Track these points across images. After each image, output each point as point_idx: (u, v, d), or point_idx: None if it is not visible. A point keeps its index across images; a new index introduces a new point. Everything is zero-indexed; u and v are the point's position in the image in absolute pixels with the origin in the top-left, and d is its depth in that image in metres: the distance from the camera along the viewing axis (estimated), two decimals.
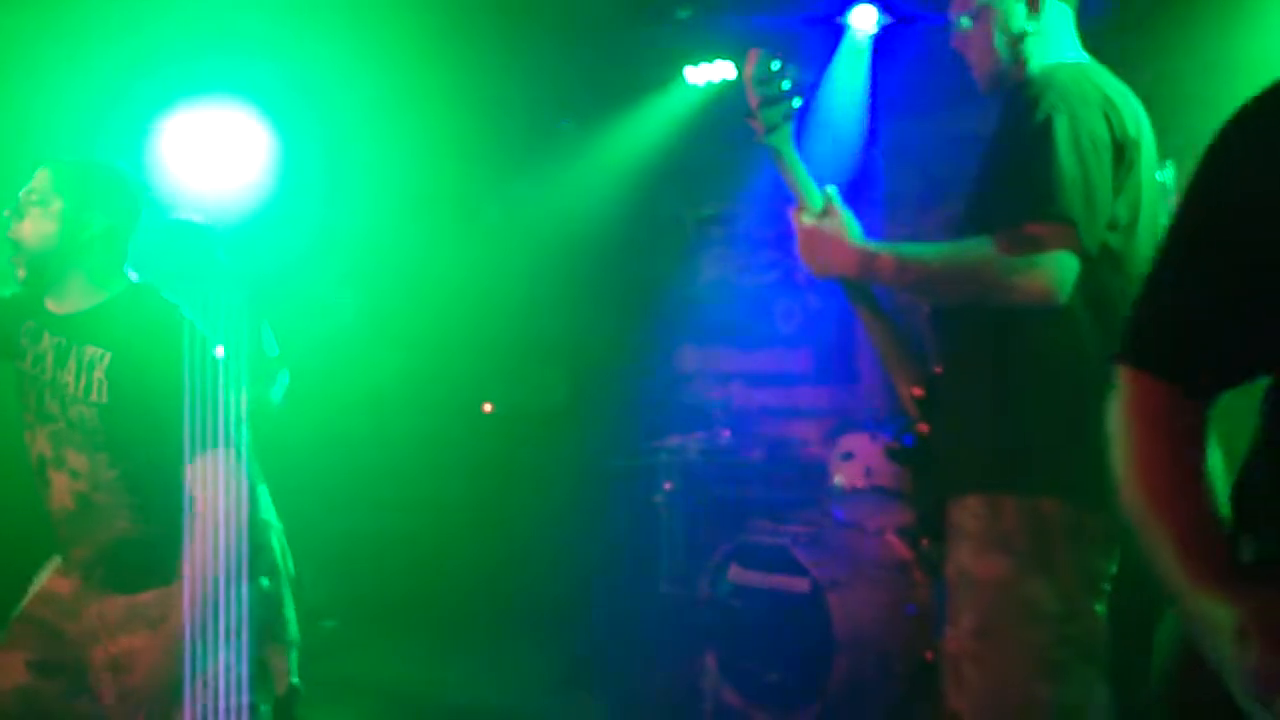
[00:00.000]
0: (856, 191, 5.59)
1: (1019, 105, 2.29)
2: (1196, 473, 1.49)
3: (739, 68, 5.94)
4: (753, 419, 6.12)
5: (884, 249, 2.37)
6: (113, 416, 2.56)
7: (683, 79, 6.16)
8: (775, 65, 2.48)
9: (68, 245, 2.60)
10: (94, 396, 2.55)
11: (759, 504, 5.42)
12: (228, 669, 2.60)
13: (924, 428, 2.42)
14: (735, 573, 4.54)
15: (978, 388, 2.30)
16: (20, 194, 2.62)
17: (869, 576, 4.36)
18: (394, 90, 5.29)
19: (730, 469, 5.62)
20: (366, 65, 5.03)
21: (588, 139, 6.57)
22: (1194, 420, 1.52)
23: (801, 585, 4.31)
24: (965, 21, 2.44)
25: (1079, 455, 2.12)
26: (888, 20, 5.40)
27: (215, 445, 2.50)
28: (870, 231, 2.47)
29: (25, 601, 2.71)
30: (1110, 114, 2.23)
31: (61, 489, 2.61)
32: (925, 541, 4.18)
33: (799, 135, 2.53)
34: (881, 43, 5.60)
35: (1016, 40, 2.39)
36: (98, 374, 2.56)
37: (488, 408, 6.80)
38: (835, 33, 5.67)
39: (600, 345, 6.59)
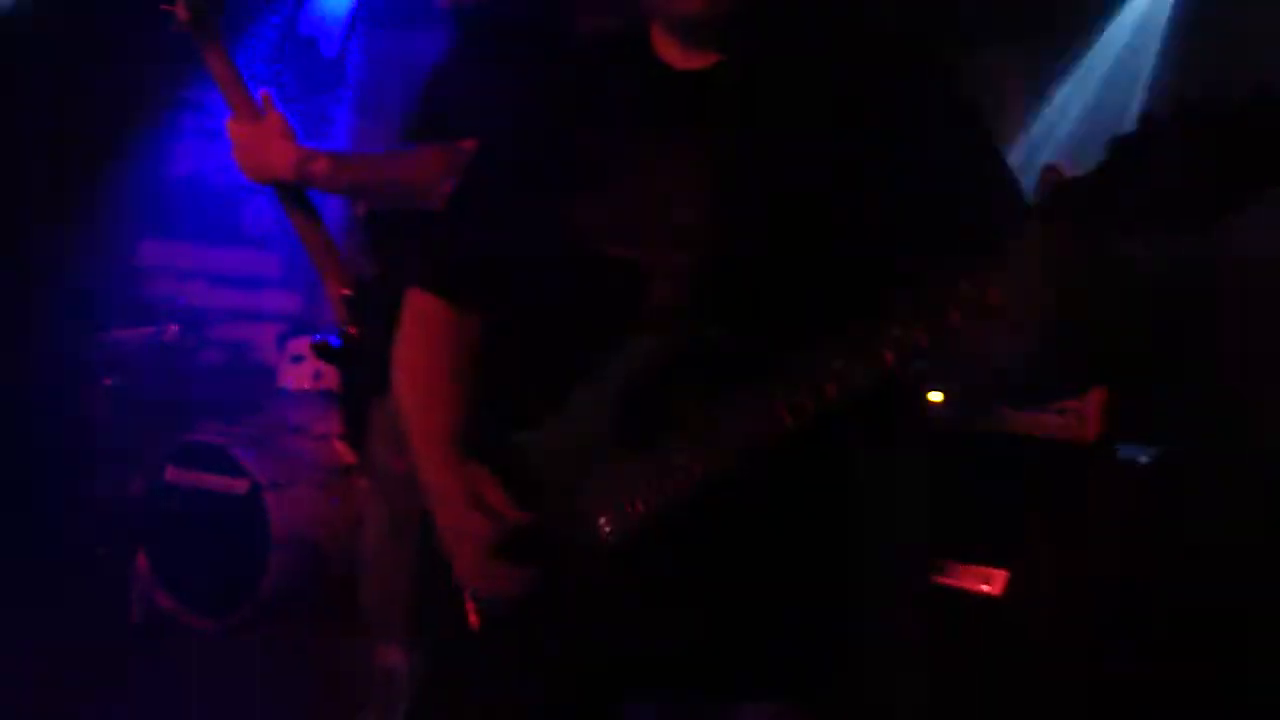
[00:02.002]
0: (333, 98, 5.52)
1: (474, 25, 2.36)
2: (443, 367, 1.72)
3: None
4: (213, 319, 5.91)
5: (319, 151, 2.38)
6: None
7: None
8: None
9: None
10: None
11: (206, 405, 5.26)
12: None
13: (353, 330, 2.46)
14: (172, 473, 4.41)
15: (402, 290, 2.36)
16: None
17: (311, 480, 4.38)
18: None
19: (178, 368, 5.41)
20: None
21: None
22: (457, 329, 1.74)
23: (240, 486, 4.26)
24: None
25: None
26: None
27: None
28: (345, 141, 2.47)
29: None
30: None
31: None
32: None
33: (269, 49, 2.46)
34: None
35: None
36: None
37: None
38: None
39: (51, 227, 6.08)
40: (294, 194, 2.44)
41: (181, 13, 2.39)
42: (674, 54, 1.55)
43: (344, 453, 4.50)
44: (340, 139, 5.44)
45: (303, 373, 4.55)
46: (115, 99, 6.17)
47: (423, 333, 1.76)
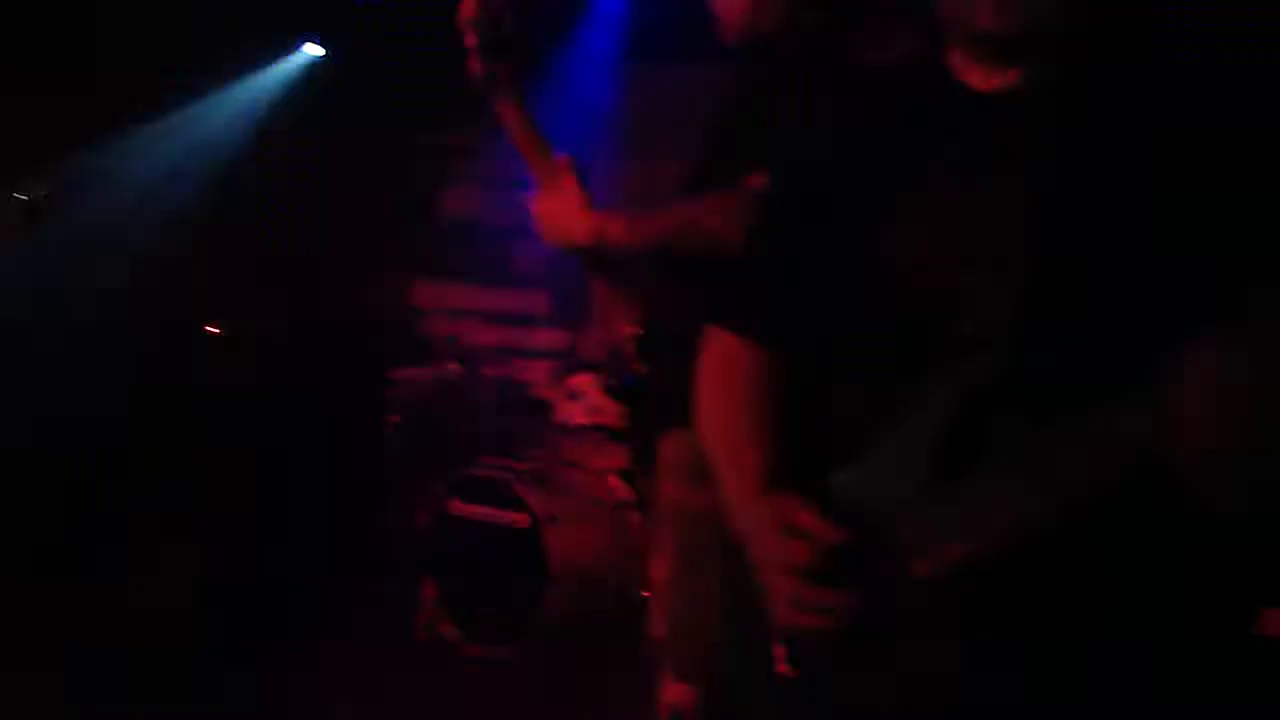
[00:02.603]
0: (601, 136, 5.64)
1: (754, 61, 2.36)
2: (750, 408, 1.69)
3: None
4: (486, 357, 6.12)
5: (614, 216, 2.40)
6: None
7: None
8: (492, 6, 2.37)
9: None
10: None
11: (485, 440, 5.43)
12: None
13: (640, 367, 2.48)
14: (457, 506, 4.56)
15: (694, 327, 2.37)
16: None
17: (588, 515, 4.45)
18: None
19: (458, 405, 5.61)
20: None
21: (339, 63, 6.36)
22: (762, 368, 1.71)
23: (521, 520, 4.37)
24: None
25: None
26: None
27: None
28: (612, 180, 2.50)
29: None
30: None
31: None
32: (645, 483, 4.32)
33: (534, 87, 2.48)
34: None
35: None
36: None
37: (213, 330, 6.53)
38: None
39: (331, 272, 6.42)
40: (592, 255, 2.47)
41: (478, 71, 2.41)
42: (975, 74, 1.49)
43: (620, 488, 4.55)
44: (604, 183, 5.56)
45: (579, 409, 4.64)
46: (396, 145, 6.49)
47: (727, 374, 1.74)
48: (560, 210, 2.42)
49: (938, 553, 1.42)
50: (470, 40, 2.39)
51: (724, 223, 2.19)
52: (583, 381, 4.73)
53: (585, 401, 4.65)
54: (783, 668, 1.60)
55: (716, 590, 2.31)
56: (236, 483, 5.65)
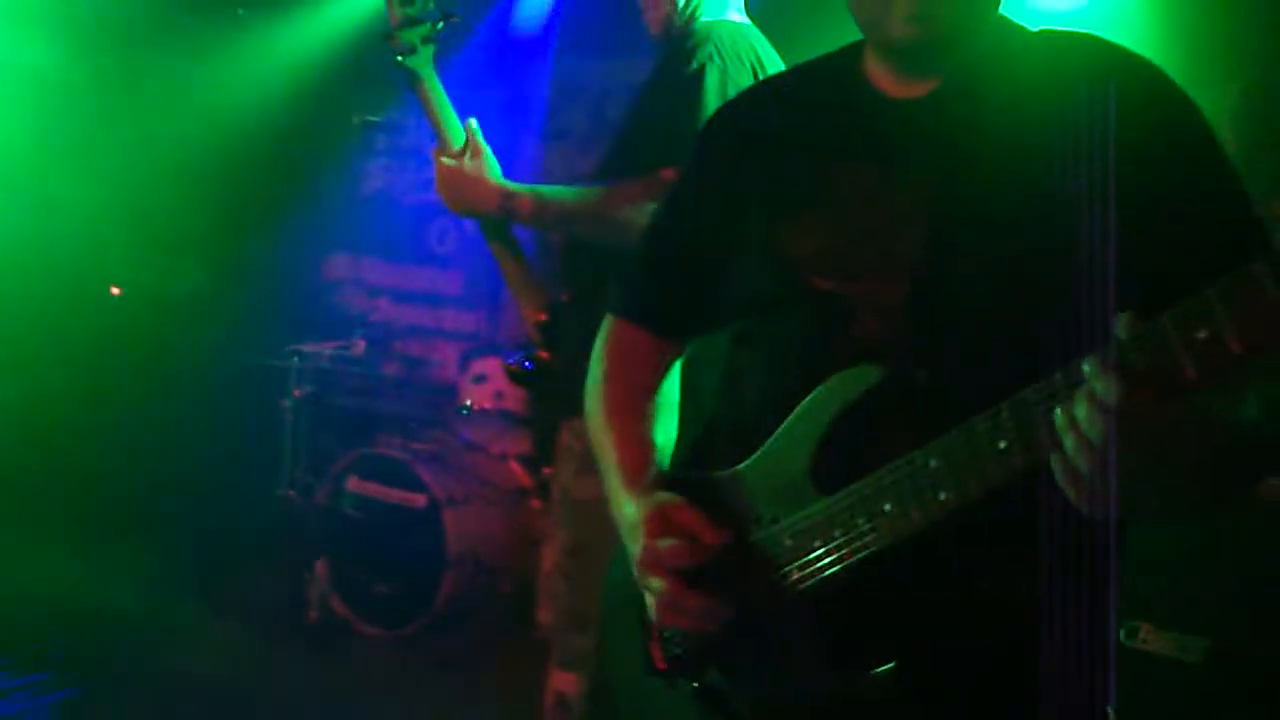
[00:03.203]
0: (522, 121, 5.62)
1: (677, 53, 2.36)
2: (641, 396, 1.71)
3: None
4: (396, 334, 6.08)
5: (522, 189, 2.40)
6: None
7: None
8: None
9: None
10: None
11: (389, 419, 5.40)
12: None
13: (545, 354, 2.48)
14: (355, 483, 4.52)
15: (598, 317, 2.38)
16: None
17: (487, 498, 4.44)
18: None
19: (363, 381, 5.57)
20: None
21: (263, 29, 6.27)
22: (656, 354, 1.75)
23: (419, 501, 4.34)
24: None
25: None
26: None
27: None
28: (530, 163, 2.50)
29: None
30: (760, 76, 2.34)
31: None
32: (547, 470, 4.33)
33: (463, 71, 2.51)
34: None
35: None
36: None
37: (116, 291, 6.41)
38: None
39: (247, 241, 6.33)
40: (495, 225, 2.48)
41: (397, 46, 2.45)
42: (888, 81, 1.51)
43: (520, 474, 4.55)
44: (525, 164, 5.55)
45: (484, 392, 4.63)
46: (312, 117, 6.41)
47: (620, 360, 1.75)
48: (467, 176, 2.42)
49: (812, 558, 1.44)
50: (394, 17, 2.44)
51: (632, 211, 2.20)
52: (489, 364, 4.74)
53: (490, 385, 4.66)
54: (660, 664, 1.61)
55: (599, 582, 2.33)
56: (133, 450, 5.56)
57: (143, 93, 6.24)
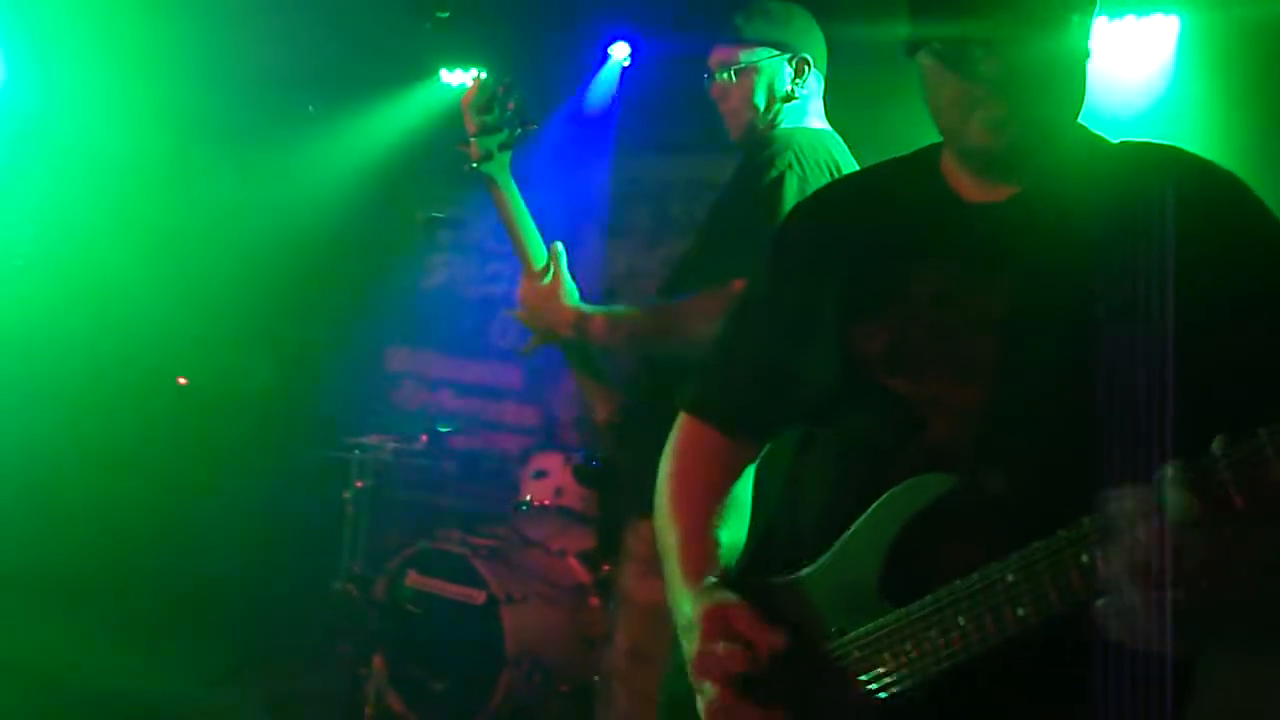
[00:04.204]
0: (586, 218, 5.68)
1: (756, 160, 2.39)
2: (708, 493, 1.68)
3: (490, 77, 5.96)
4: (456, 428, 6.10)
5: (596, 310, 2.44)
6: None
7: (438, 78, 6.12)
8: (498, 95, 2.50)
9: None
10: None
11: (448, 513, 5.40)
12: None
13: (614, 454, 2.48)
14: (414, 578, 4.51)
15: (669, 420, 2.37)
16: None
17: (546, 595, 4.41)
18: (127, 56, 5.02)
19: (424, 474, 5.58)
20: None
21: (333, 126, 6.43)
22: (727, 453, 1.72)
23: (478, 597, 4.32)
24: (727, 75, 2.51)
25: None
26: (641, 54, 5.52)
27: None
28: (593, 261, 2.53)
29: None
30: None
31: None
32: (606, 567, 4.30)
33: (528, 168, 2.55)
34: (633, 75, 5.72)
35: (777, 101, 2.48)
36: None
37: (182, 381, 6.50)
38: (593, 57, 5.75)
39: (312, 334, 6.43)
40: (573, 346, 2.51)
41: (474, 153, 2.49)
42: (967, 184, 1.51)
43: (579, 570, 4.52)
44: (588, 261, 5.59)
45: (544, 488, 4.62)
46: (376, 212, 6.53)
47: (688, 456, 1.73)
48: (544, 299, 2.45)
49: (881, 672, 1.41)
50: (471, 124, 2.46)
51: (706, 326, 2.20)
52: (549, 460, 4.73)
53: (550, 481, 4.65)
54: None
55: (657, 689, 2.30)
56: (193, 541, 5.61)
57: (214, 185, 6.41)
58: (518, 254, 2.50)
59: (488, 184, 2.51)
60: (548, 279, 2.46)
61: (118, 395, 5.93)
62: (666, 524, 1.70)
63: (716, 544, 1.63)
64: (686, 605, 1.58)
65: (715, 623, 1.48)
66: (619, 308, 2.46)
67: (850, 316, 1.53)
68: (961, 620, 1.34)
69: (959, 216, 1.51)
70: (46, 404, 5.61)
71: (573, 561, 4.56)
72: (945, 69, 1.43)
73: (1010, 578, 1.31)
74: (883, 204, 1.61)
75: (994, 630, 1.32)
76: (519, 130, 2.50)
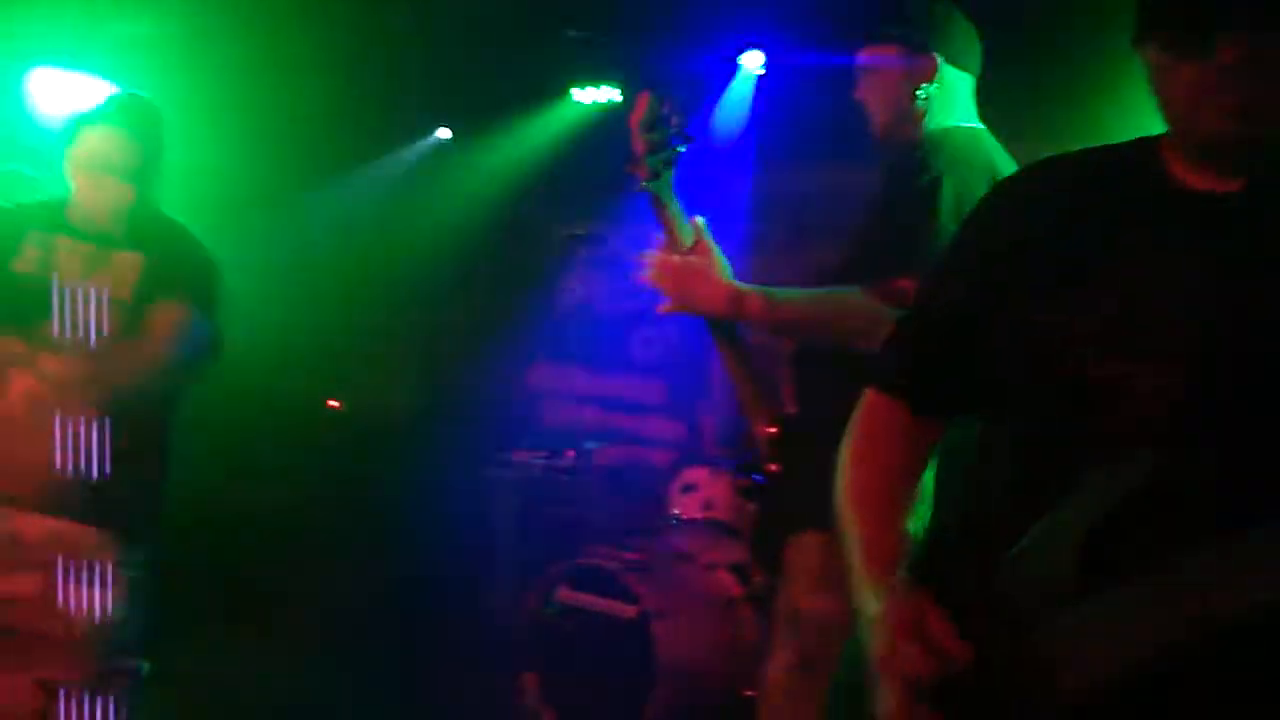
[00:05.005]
0: (721, 229, 5.66)
1: (909, 163, 2.35)
2: (893, 477, 1.64)
3: (625, 93, 6.00)
4: (603, 443, 6.13)
5: (753, 289, 2.39)
6: None
7: (569, 97, 6.18)
8: (664, 112, 2.45)
9: None
10: None
11: (596, 528, 5.42)
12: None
13: (774, 466, 2.45)
14: (564, 594, 4.53)
15: (831, 430, 2.34)
16: None
17: (696, 609, 4.39)
18: (266, 78, 5.16)
19: (571, 490, 5.61)
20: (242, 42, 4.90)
21: (469, 148, 6.53)
22: (913, 433, 1.67)
23: (629, 612, 4.32)
24: (874, 77, 2.48)
25: None
26: (775, 63, 5.50)
27: None
28: (736, 275, 2.48)
29: None
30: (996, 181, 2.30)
31: None
32: (760, 578, 4.26)
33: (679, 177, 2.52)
34: (767, 85, 5.69)
35: (925, 100, 2.44)
36: None
37: (334, 404, 6.67)
38: (725, 69, 5.74)
39: (458, 354, 6.53)
40: (724, 328, 2.47)
41: (644, 172, 2.46)
42: (1192, 174, 1.46)
43: (729, 583, 4.49)
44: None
45: (693, 502, 4.61)
46: (516, 232, 6.61)
47: (874, 439, 1.68)
48: (696, 272, 2.41)
49: (1081, 668, 1.35)
50: (639, 143, 2.44)
51: (864, 321, 2.17)
52: (697, 474, 4.72)
53: (699, 494, 4.64)
54: None
55: (824, 698, 2.25)
56: (345, 561, 5.72)
57: (354, 212, 6.57)
58: (665, 231, 2.46)
59: (653, 202, 2.48)
60: (697, 253, 2.42)
61: (272, 418, 6.09)
62: (848, 507, 1.66)
63: (901, 531, 1.59)
64: (869, 597, 1.54)
65: (904, 621, 1.43)
66: (778, 290, 2.41)
67: (1053, 294, 1.49)
68: (1170, 610, 1.29)
69: (1182, 204, 1.46)
70: (211, 432, 5.78)
71: (724, 574, 4.53)
72: (1179, 56, 1.39)
73: (1223, 563, 1.26)
74: (1095, 187, 1.55)
75: (1205, 621, 1.27)
76: (682, 147, 2.47)
